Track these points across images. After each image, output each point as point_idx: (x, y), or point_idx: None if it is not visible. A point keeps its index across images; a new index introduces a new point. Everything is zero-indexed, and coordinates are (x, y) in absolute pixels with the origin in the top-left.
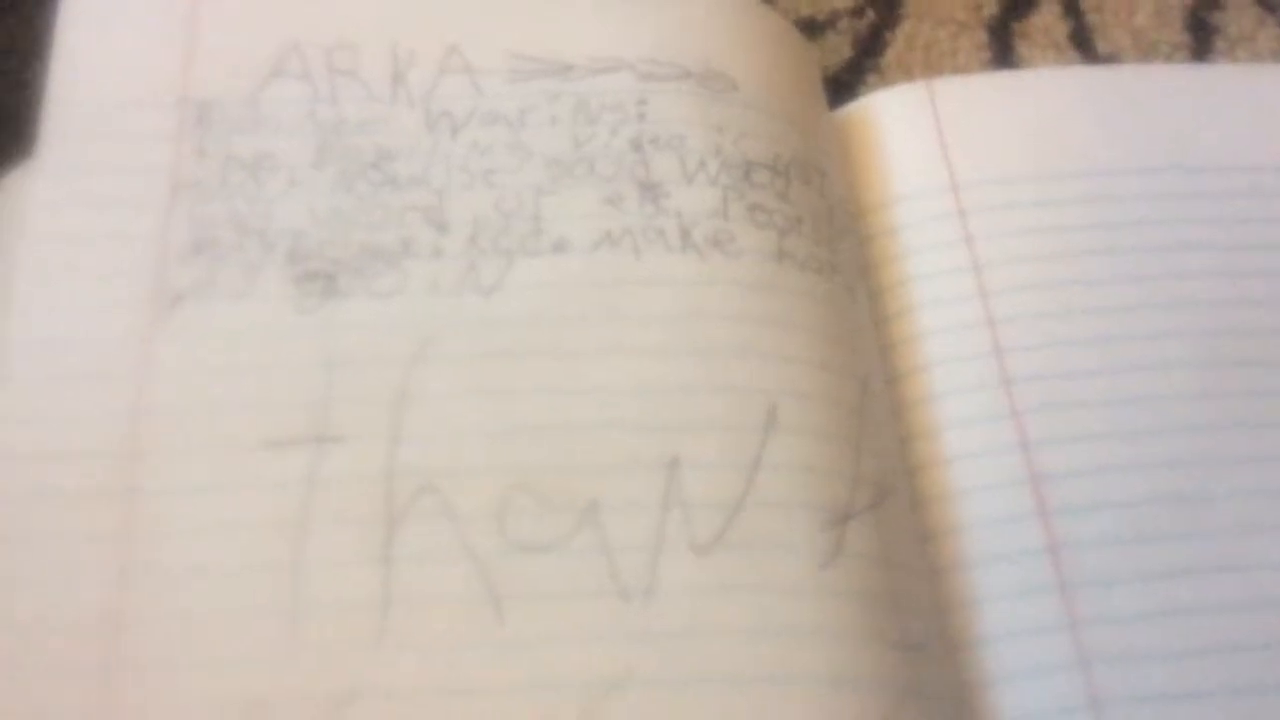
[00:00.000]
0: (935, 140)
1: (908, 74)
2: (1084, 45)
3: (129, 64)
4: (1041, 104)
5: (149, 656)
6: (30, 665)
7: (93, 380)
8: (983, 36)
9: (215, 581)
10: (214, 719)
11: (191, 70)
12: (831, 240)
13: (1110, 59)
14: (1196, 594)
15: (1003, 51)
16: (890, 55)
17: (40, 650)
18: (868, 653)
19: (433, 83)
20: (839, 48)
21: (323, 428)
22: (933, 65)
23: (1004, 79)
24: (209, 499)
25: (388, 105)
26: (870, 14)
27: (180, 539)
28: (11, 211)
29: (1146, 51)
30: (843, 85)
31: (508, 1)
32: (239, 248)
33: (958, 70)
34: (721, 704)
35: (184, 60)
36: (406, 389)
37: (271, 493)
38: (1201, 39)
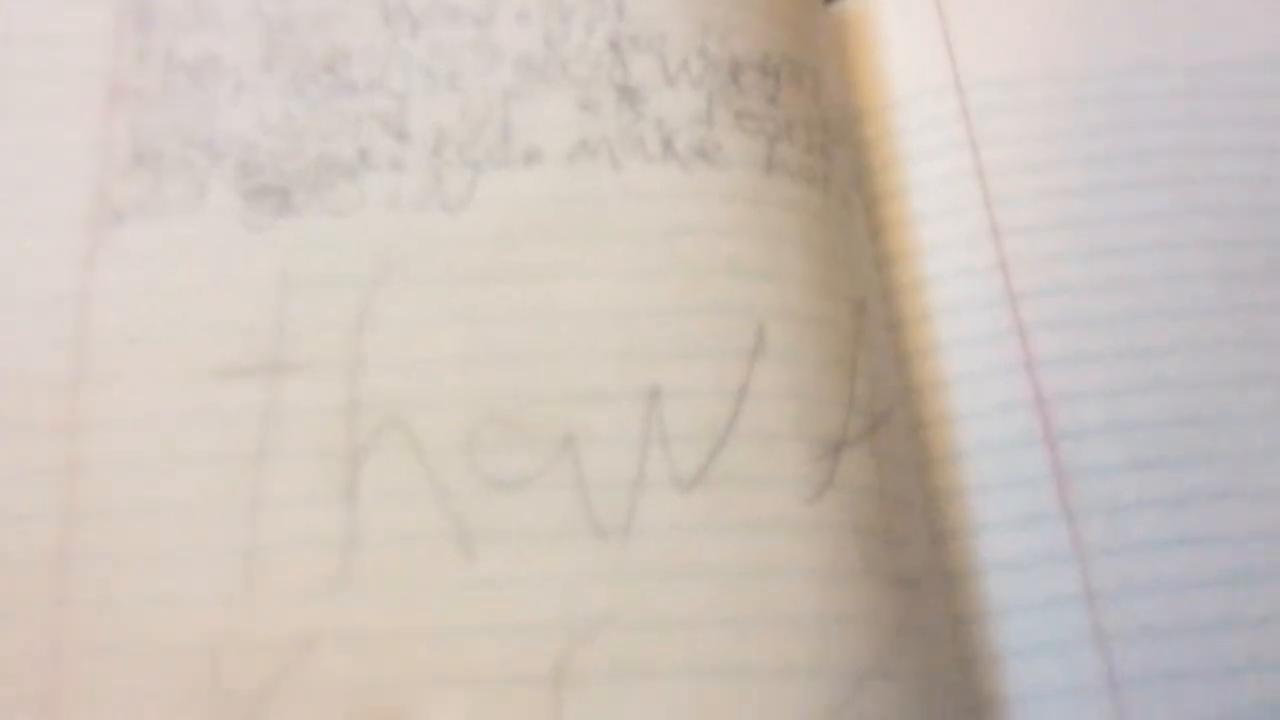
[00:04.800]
0: (939, 37)
1: None
2: None
3: None
4: (1052, 1)
5: (98, 595)
6: None
7: (31, 304)
8: None
9: (167, 518)
10: (168, 661)
11: None
12: (825, 148)
13: None
14: (1209, 522)
15: None
16: None
17: None
18: (860, 590)
19: None
20: None
21: (279, 355)
22: None
23: None
24: (159, 431)
25: None
26: None
27: (129, 473)
28: None
29: None
30: None
31: None
32: (184, 160)
33: None
34: (704, 647)
35: None
36: (368, 313)
37: (226, 425)
38: None
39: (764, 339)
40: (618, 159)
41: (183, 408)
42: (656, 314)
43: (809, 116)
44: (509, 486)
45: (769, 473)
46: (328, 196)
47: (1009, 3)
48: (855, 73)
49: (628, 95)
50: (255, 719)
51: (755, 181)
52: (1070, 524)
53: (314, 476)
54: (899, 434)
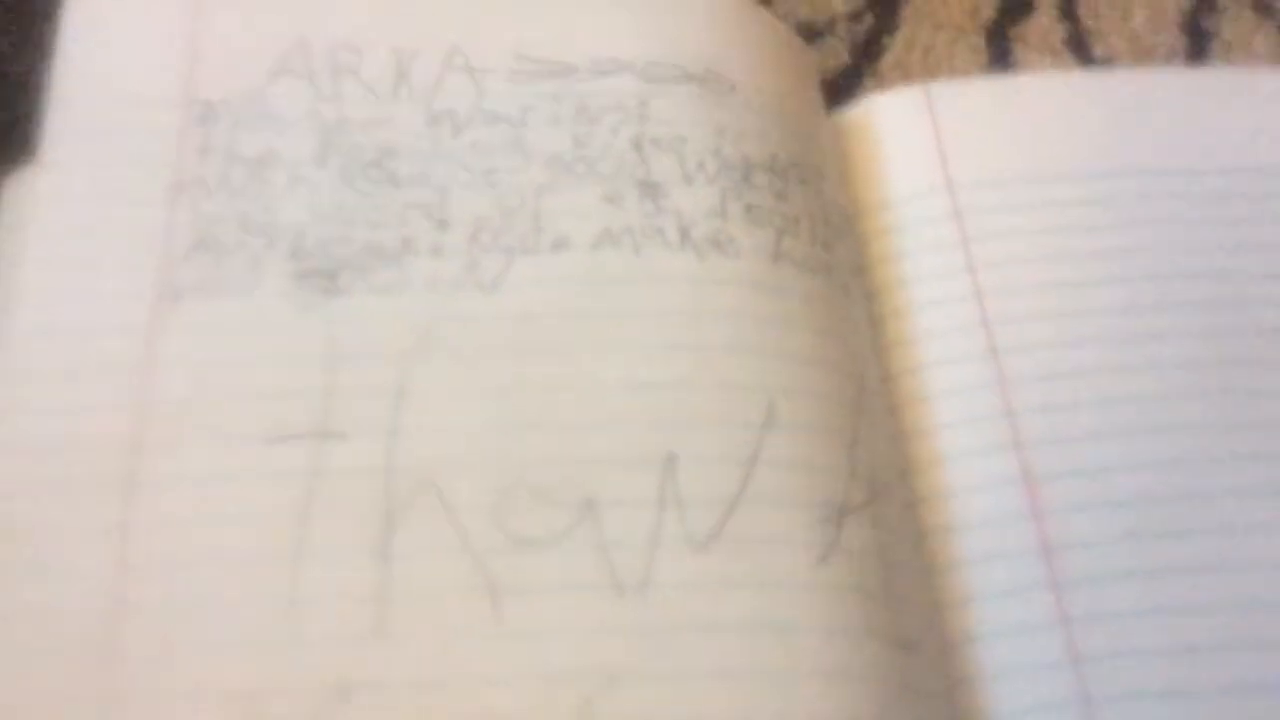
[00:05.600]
0: (932, 142)
1: (905, 78)
2: (1080, 49)
3: (133, 62)
4: (1038, 107)
5: (148, 646)
6: (32, 654)
7: (96, 374)
8: (980, 41)
9: (214, 573)
10: (212, 708)
11: (195, 68)
12: (828, 241)
13: (1106, 63)
14: (1189, 593)
15: (999, 56)
16: (888, 59)
17: (41, 639)
18: (863, 648)
19: (435, 82)
20: (837, 52)
21: (324, 423)
22: (930, 69)
23: (1000, 83)
24: (209, 491)
25: (390, 104)
26: (868, 18)
27: (181, 530)
28: (17, 210)
29: (1142, 56)
30: (841, 89)
31: (510, 2)
32: (241, 244)
33: (955, 74)
34: (716, 699)
35: (188, 58)
36: (406, 385)
37: (272, 486)
38: (1197, 43)
39: (773, 412)
40: (639, 247)
41: (233, 470)
42: (673, 388)
43: (813, 212)
44: (534, 545)
45: (777, 535)
46: (373, 278)
47: (997, 111)
48: (856, 173)
49: (649, 190)
50: None
51: (764, 269)
52: (1056, 594)
53: (352, 535)
54: (898, 506)
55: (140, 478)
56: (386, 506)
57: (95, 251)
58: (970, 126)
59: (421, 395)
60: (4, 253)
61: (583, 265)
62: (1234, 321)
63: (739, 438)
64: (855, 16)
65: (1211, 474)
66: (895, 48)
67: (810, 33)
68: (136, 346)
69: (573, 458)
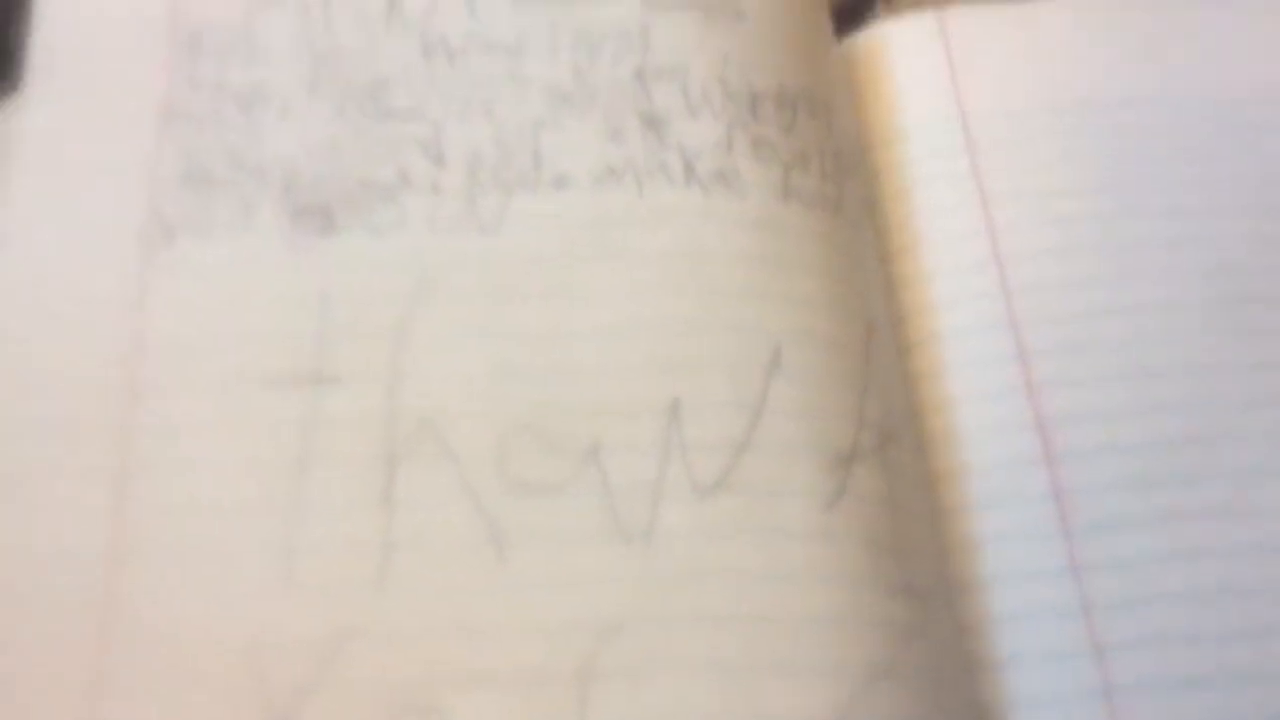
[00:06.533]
0: (945, 72)
1: (917, 5)
2: None
3: None
4: (1053, 35)
5: (145, 592)
6: (27, 598)
7: (87, 315)
8: None
9: (212, 519)
10: (210, 655)
11: None
12: (838, 176)
13: None
14: (1202, 539)
15: None
16: None
17: (36, 584)
18: (870, 596)
19: (429, 8)
20: None
21: (321, 367)
22: None
23: (1015, 10)
24: (206, 437)
25: (383, 32)
26: None
27: (177, 476)
28: (2, 142)
29: None
30: (851, 16)
31: None
32: (232, 180)
33: (969, 1)
34: (722, 646)
35: None
36: (404, 328)
37: (269, 432)
38: None
39: (779, 356)
40: (642, 184)
41: (229, 415)
42: (678, 331)
43: (822, 146)
44: (538, 492)
45: (784, 482)
46: (368, 217)
47: (1011, 38)
48: (866, 105)
49: (652, 124)
50: (293, 713)
51: (772, 207)
52: (1068, 540)
53: (352, 482)
54: (908, 451)
55: (135, 421)
56: (387, 453)
57: (81, 187)
58: (985, 55)
59: (419, 338)
60: None
61: (584, 204)
62: (1255, 259)
63: (745, 382)
64: None
65: (1227, 416)
66: None
67: None
68: (127, 286)
69: (576, 403)
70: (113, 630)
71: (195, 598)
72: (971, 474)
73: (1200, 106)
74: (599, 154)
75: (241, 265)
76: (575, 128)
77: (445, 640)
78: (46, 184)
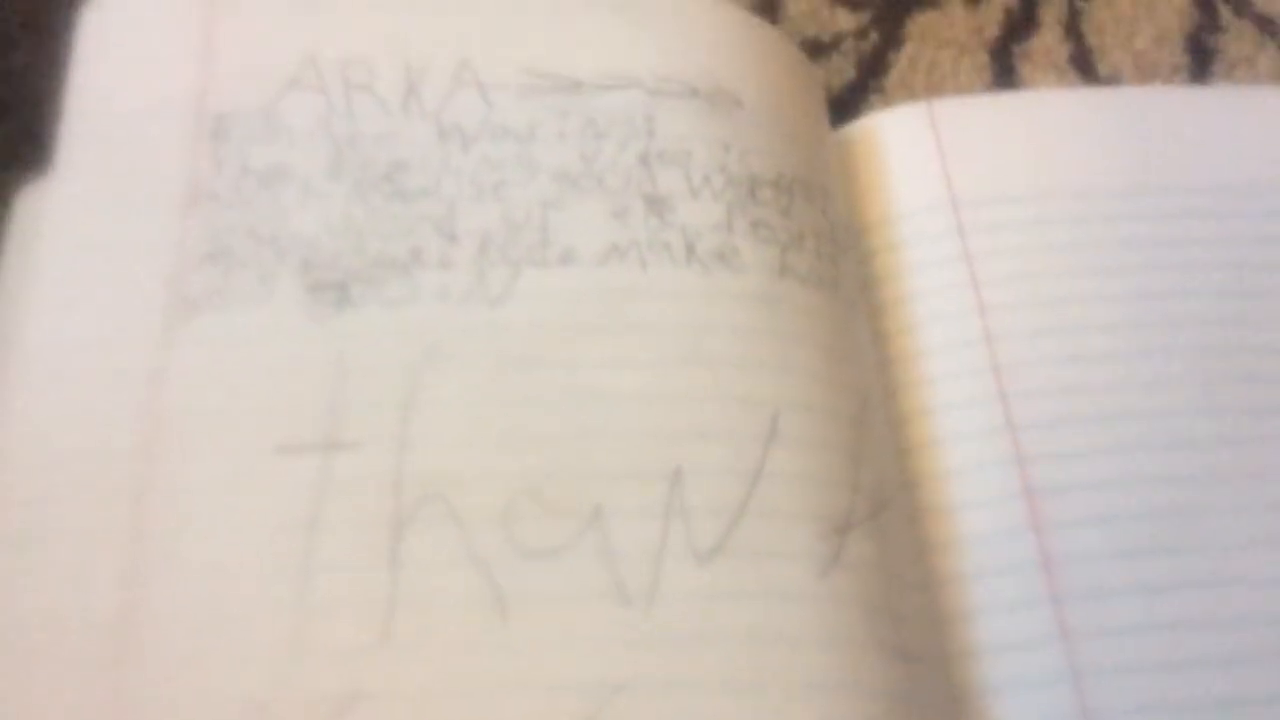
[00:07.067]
0: (936, 159)
1: (910, 94)
2: (1084, 67)
3: (146, 76)
4: (1041, 124)
5: (157, 654)
6: (41, 661)
7: (109, 384)
8: (984, 58)
9: (224, 581)
10: (221, 717)
11: (208, 82)
12: (833, 256)
13: (1110, 81)
14: (1188, 608)
15: (1004, 73)
16: (893, 76)
17: (51, 646)
18: (865, 661)
19: (445, 97)
20: (843, 68)
21: (334, 433)
22: (935, 86)
23: (1004, 99)
24: (220, 500)
25: (401, 118)
26: (874, 36)
27: (191, 539)
28: (31, 221)
29: (1146, 73)
30: (846, 105)
31: (519, 18)
32: (253, 257)
33: (959, 91)
34: (720, 709)
35: (201, 72)
36: (415, 396)
37: (282, 496)
38: (1200, 61)
39: (777, 426)
40: (645, 261)
41: (242, 480)
42: (679, 401)
43: (818, 228)
44: (541, 556)
45: (781, 548)
46: (383, 291)
47: (1000, 127)
48: (860, 189)
49: (655, 205)
50: None
51: (769, 284)
52: (1057, 608)
53: (361, 544)
54: (901, 520)
55: (151, 487)
56: (395, 516)
57: (108, 263)
58: (974, 143)
59: (430, 406)
60: (18, 263)
61: (589, 278)
62: (1234, 339)
63: (744, 451)
64: (860, 34)
65: (1211, 489)
66: (900, 65)
67: (816, 49)
68: (148, 357)
69: (580, 469)
70: (125, 691)
71: (206, 659)
72: (962, 543)
73: (1186, 194)
74: (604, 233)
75: (259, 337)
76: (582, 208)
77: (449, 700)
78: (74, 261)
